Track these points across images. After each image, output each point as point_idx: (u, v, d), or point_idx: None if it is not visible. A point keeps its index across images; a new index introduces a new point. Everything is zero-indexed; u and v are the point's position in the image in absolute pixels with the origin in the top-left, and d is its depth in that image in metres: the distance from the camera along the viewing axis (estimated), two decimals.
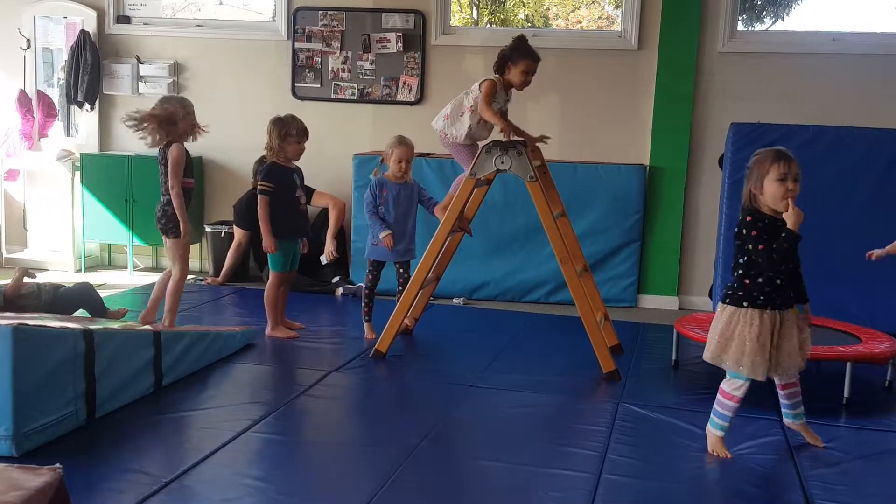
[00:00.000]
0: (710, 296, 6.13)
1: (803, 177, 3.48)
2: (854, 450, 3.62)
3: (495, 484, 3.18)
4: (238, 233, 6.42)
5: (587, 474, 3.22)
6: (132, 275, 6.84)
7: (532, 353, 4.99)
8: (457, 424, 3.84)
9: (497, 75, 4.74)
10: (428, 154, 6.26)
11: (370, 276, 5.19)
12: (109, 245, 7.19)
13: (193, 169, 5.12)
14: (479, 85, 4.73)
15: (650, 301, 6.34)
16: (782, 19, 7.88)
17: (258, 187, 4.99)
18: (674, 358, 4.77)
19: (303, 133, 4.96)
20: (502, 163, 4.55)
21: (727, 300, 3.46)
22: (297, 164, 5.07)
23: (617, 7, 9.56)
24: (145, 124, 4.77)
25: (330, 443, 3.60)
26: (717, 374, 4.36)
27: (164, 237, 4.98)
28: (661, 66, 6.20)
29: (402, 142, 5.11)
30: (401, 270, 5.16)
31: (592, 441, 3.59)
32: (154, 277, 6.63)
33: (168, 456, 3.34)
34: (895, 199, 5.69)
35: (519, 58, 4.66)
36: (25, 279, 4.99)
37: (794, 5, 8.04)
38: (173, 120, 4.79)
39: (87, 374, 3.54)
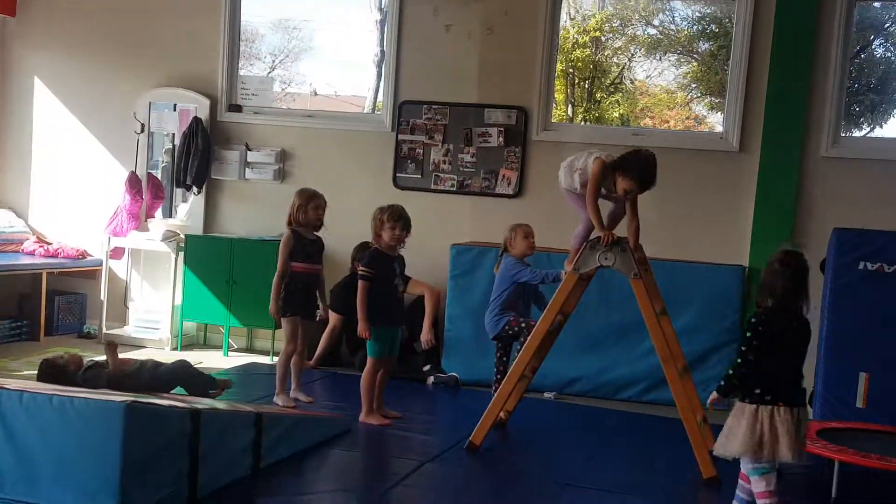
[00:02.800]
0: (810, 403, 5.93)
1: None
2: None
3: None
4: (333, 317, 6.49)
5: None
6: (226, 355, 6.96)
7: (627, 453, 4.90)
8: None
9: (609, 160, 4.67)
10: None
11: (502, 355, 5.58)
12: (206, 325, 7.35)
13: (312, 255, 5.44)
14: (592, 160, 4.65)
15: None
16: (881, 126, 7.81)
17: (359, 272, 5.09)
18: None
19: (397, 218, 5.02)
20: (606, 259, 4.55)
21: None
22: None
23: (711, 108, 9.65)
24: None
25: None
26: (821, 489, 4.24)
27: None
28: (763, 169, 6.18)
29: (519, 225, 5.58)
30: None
31: None
32: (248, 358, 6.80)
33: None
34: None
35: (631, 174, 4.56)
36: (121, 355, 5.09)
37: (893, 112, 7.98)
38: (294, 208, 5.34)
39: (192, 453, 3.59)
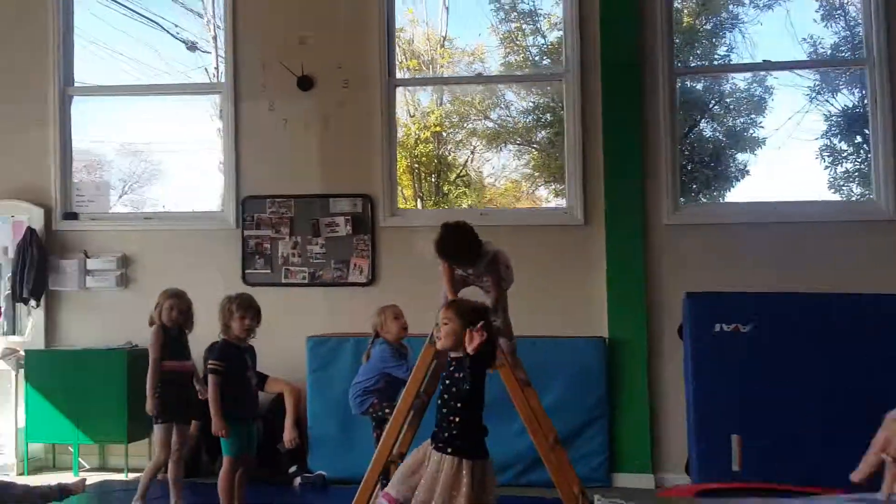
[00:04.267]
0: (687, 471, 5.94)
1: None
2: None
3: None
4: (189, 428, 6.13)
5: None
6: (76, 475, 6.41)
7: None
8: None
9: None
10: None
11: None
12: (54, 446, 6.80)
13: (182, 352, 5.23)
14: None
15: (625, 480, 6.11)
16: (720, 200, 8.19)
17: (208, 366, 4.84)
18: None
19: (246, 307, 4.85)
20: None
21: None
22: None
23: (557, 195, 9.92)
24: None
25: None
26: None
27: None
28: (610, 239, 6.33)
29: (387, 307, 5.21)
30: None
31: None
32: (102, 477, 6.31)
33: None
34: (856, 364, 5.59)
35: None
36: None
37: (731, 186, 8.42)
38: (155, 308, 5.20)
39: None
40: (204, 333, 5.95)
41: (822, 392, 5.59)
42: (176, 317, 5.14)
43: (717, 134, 8.64)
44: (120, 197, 8.32)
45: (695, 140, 8.37)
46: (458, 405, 3.57)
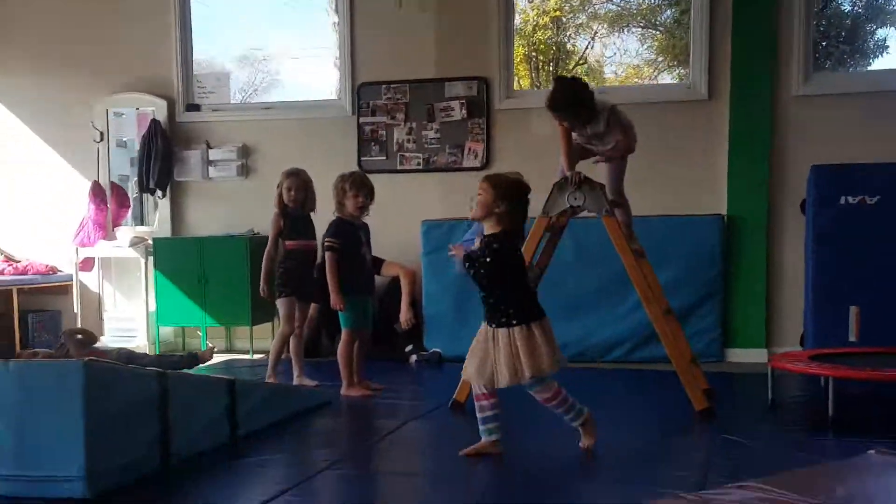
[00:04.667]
0: (802, 344, 5.82)
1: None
2: None
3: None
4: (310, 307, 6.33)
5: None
6: None
7: (620, 402, 4.78)
8: (556, 464, 3.60)
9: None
10: None
11: None
12: (183, 329, 7.17)
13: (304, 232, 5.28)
14: None
15: (738, 355, 6.05)
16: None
17: (325, 243, 4.96)
18: (770, 397, 4.47)
19: (359, 185, 4.93)
20: (575, 199, 4.41)
21: None
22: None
23: (681, 79, 9.58)
24: None
25: (411, 475, 3.41)
26: (818, 412, 4.12)
27: None
28: (734, 114, 6.09)
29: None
30: None
31: (693, 467, 3.33)
32: (227, 358, 6.62)
33: (245, 495, 3.18)
34: None
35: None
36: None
37: (868, 63, 7.95)
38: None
39: (162, 417, 3.43)
40: (327, 218, 6.13)
41: None
42: (294, 196, 5.18)
43: (857, 8, 8.12)
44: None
45: (831, 15, 7.90)
46: (485, 281, 3.50)
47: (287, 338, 5.26)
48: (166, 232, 7.13)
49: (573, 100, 4.31)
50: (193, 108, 7.19)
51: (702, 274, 6.04)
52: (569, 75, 4.46)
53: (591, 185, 4.42)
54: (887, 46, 7.60)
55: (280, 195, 5.23)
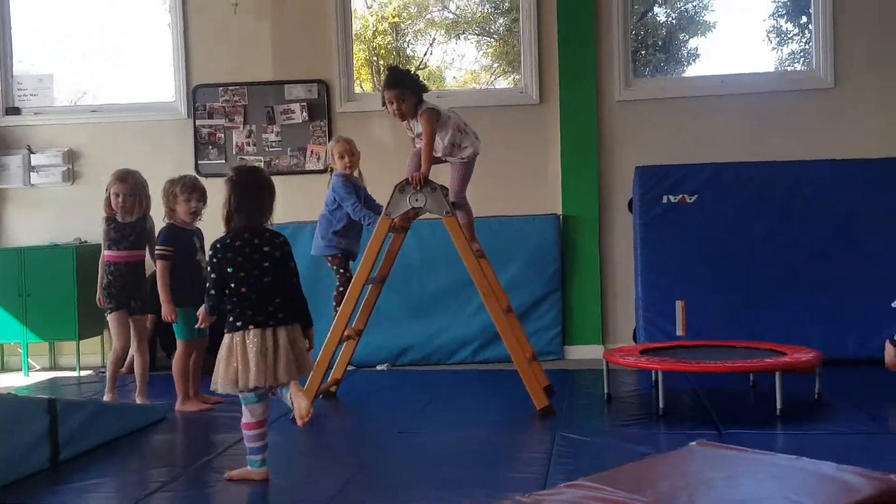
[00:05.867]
0: (634, 338, 6.04)
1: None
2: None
3: None
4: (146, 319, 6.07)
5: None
6: (26, 375, 6.35)
7: (463, 401, 4.82)
8: (391, 466, 3.59)
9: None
10: None
11: (344, 273, 4.84)
12: (2, 346, 6.71)
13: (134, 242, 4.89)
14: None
15: (577, 352, 6.21)
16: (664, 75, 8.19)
17: (156, 251, 4.74)
18: (606, 391, 4.60)
19: (191, 189, 4.73)
20: (416, 200, 4.42)
21: None
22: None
23: (515, 86, 9.81)
24: None
25: (254, 494, 3.30)
26: (650, 405, 4.28)
27: None
28: (564, 117, 6.27)
29: (339, 138, 5.03)
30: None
31: (533, 466, 3.38)
32: (52, 375, 6.24)
33: None
34: (797, 226, 5.76)
35: None
36: None
37: (682, 70, 8.41)
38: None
39: None
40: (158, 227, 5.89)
41: (764, 258, 5.73)
42: (122, 202, 4.83)
43: (670, 19, 8.60)
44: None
45: (648, 25, 8.32)
46: None
47: (121, 354, 4.92)
48: None
49: (399, 78, 4.54)
50: (14, 111, 6.76)
51: (540, 272, 6.18)
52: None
53: (433, 186, 4.44)
54: (699, 55, 8.14)
55: (107, 200, 4.88)
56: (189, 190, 4.72)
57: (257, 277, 3.28)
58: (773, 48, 7.66)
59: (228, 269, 3.28)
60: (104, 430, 3.99)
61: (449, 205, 4.42)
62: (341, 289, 4.80)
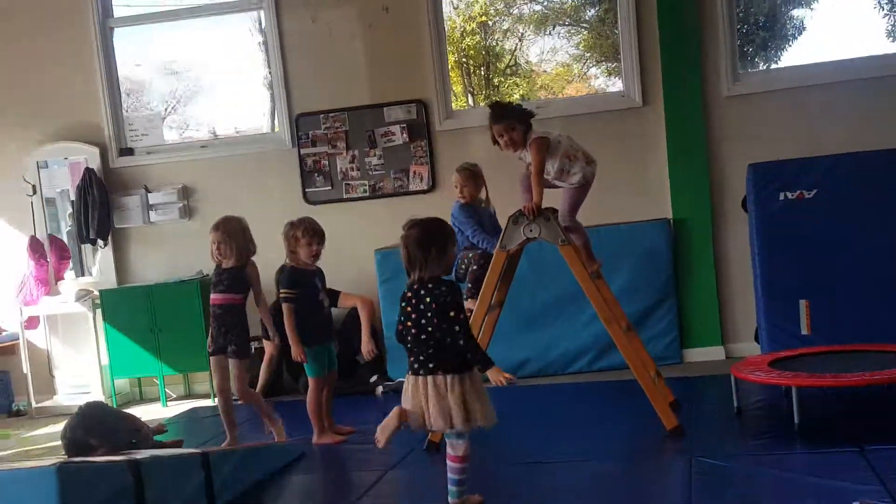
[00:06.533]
0: (757, 339, 5.96)
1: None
2: None
3: None
4: (268, 346, 6.29)
5: None
6: (165, 405, 6.67)
7: (589, 422, 4.82)
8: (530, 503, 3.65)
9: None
10: None
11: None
12: (139, 379, 7.05)
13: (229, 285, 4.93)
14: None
15: (696, 354, 6.18)
16: (776, 62, 7.92)
17: (280, 295, 4.90)
18: (735, 405, 4.57)
19: (311, 233, 4.84)
20: (531, 231, 4.44)
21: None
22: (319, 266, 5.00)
23: (609, 74, 9.68)
24: None
25: None
26: (783, 418, 4.23)
27: None
28: (669, 118, 6.19)
29: (458, 169, 5.22)
30: None
31: (673, 499, 3.39)
32: (188, 405, 6.53)
33: None
34: None
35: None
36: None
37: (787, 45, 8.14)
38: None
39: None
40: (272, 258, 6.08)
41: (888, 253, 5.54)
42: (218, 249, 4.90)
43: None
44: (163, 120, 8.27)
45: (748, 1, 8.05)
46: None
47: (221, 395, 4.95)
48: (110, 280, 7.00)
49: (504, 110, 4.59)
50: (127, 152, 7.05)
51: (654, 278, 6.14)
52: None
53: (546, 216, 4.45)
54: (804, 28, 7.80)
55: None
56: (311, 234, 4.85)
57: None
58: (886, 15, 7.31)
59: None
60: (251, 473, 4.17)
61: (564, 233, 4.43)
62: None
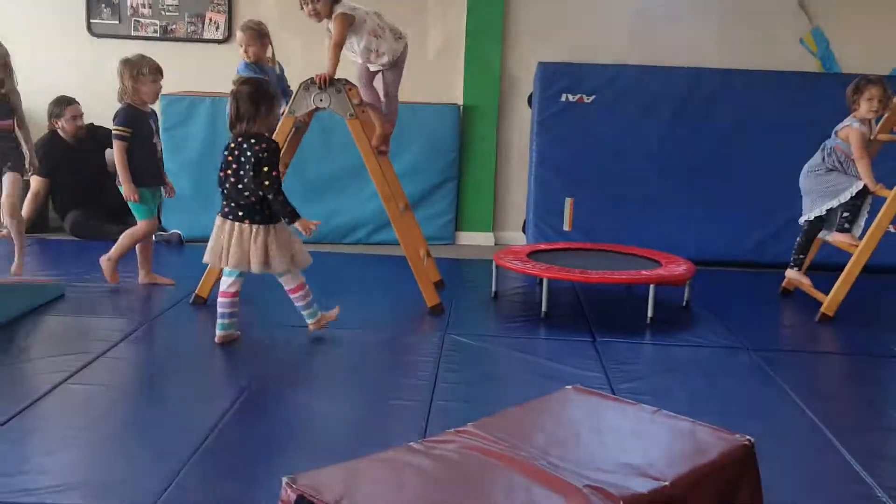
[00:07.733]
0: (524, 230, 6.34)
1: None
2: (658, 364, 3.90)
3: (330, 420, 3.18)
4: (35, 181, 5.99)
5: (419, 402, 3.28)
6: None
7: (356, 292, 5.00)
8: (285, 366, 3.81)
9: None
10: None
11: None
12: None
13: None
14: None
15: (467, 238, 6.50)
16: None
17: (115, 132, 4.70)
18: (493, 290, 4.90)
19: (156, 71, 4.74)
20: (321, 100, 4.45)
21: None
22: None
23: None
24: None
25: (154, 389, 3.48)
26: (534, 306, 4.60)
27: None
28: (470, 6, 6.28)
29: (242, 27, 5.00)
30: None
31: (422, 371, 3.65)
32: None
33: None
34: (687, 132, 6.04)
35: None
36: None
37: None
38: None
39: None
40: (43, 87, 5.76)
41: (653, 163, 6.01)
42: None
43: None
44: None
45: None
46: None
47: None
48: None
49: None
50: None
51: (438, 160, 6.35)
52: None
53: (338, 87, 4.45)
54: None
55: None
56: (156, 71, 4.73)
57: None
58: None
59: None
60: (4, 309, 4.04)
61: (353, 107, 4.47)
62: None
